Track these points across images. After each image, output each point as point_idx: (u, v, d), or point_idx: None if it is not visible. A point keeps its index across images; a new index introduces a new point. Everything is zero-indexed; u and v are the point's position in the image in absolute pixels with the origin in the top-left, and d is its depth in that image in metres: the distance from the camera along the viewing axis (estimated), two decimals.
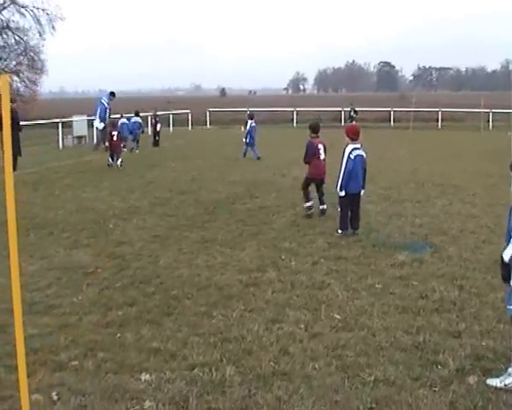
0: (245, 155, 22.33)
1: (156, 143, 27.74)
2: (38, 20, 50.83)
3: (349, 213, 10.16)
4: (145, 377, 5.10)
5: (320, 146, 11.72)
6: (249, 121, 22.45)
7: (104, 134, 26.20)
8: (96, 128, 26.30)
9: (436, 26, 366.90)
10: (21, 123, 28.16)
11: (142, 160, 21.94)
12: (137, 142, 26.09)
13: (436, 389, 4.85)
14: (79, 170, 19.04)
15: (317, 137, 11.89)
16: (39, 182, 16.49)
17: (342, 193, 10.11)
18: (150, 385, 4.96)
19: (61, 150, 26.97)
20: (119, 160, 19.83)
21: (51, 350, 5.70)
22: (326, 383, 4.93)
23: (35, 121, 30.61)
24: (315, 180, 11.83)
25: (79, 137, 30.78)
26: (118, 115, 25.48)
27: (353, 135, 10.13)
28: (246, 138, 22.11)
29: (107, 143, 20.68)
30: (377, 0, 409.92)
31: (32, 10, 50.53)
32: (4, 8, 49.84)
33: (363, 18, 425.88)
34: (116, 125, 21.60)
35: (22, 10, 50.48)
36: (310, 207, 11.66)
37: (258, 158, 21.44)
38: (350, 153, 10.02)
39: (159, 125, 28.27)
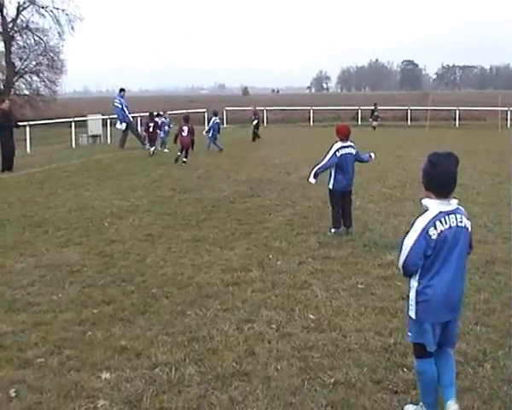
0: (208, 147, 24.28)
1: (256, 136, 29.00)
2: (58, 20, 51.49)
3: (340, 211, 10.06)
4: (105, 375, 5.09)
5: (184, 128, 19.82)
6: (213, 118, 24.94)
7: (126, 134, 26.52)
8: (120, 129, 26.71)
9: (460, 23, 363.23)
10: (37, 122, 28.71)
11: (151, 158, 21.99)
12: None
13: (397, 392, 4.76)
14: (87, 169, 19.13)
15: (186, 123, 20.08)
16: (45, 181, 16.60)
17: (312, 180, 10.07)
18: (109, 384, 4.95)
19: (74, 149, 27.11)
20: (153, 147, 22.96)
21: (20, 347, 5.74)
22: (285, 384, 4.87)
23: (46, 121, 30.86)
24: (182, 147, 19.76)
25: (94, 136, 30.92)
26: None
27: (342, 135, 10.05)
28: (209, 133, 24.47)
29: (144, 133, 24.14)
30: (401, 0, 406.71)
31: (51, 11, 51.19)
32: (24, 8, 50.41)
33: (387, 16, 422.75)
34: (153, 117, 23.97)
35: (42, 11, 51.17)
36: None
37: (221, 150, 23.73)
38: (336, 150, 9.92)
39: (255, 122, 29.54)
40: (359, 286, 7.38)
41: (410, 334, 4.37)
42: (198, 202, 13.20)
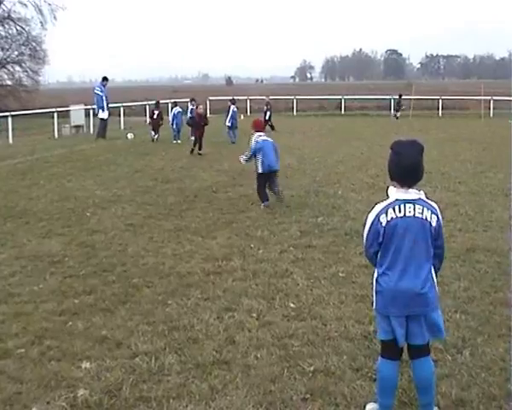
0: (232, 139, 23.57)
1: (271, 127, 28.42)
2: (40, 10, 50.82)
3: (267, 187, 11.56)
4: (85, 365, 5.08)
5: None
6: (231, 106, 24.16)
7: (106, 123, 26.18)
8: (101, 118, 26.26)
9: (444, 13, 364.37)
10: (20, 113, 28.45)
11: (134, 148, 21.90)
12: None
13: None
14: (69, 159, 18.99)
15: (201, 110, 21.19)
16: (27, 171, 16.47)
17: (243, 162, 12.06)
18: (89, 373, 4.95)
19: (56, 140, 26.89)
20: (156, 135, 24.35)
21: (0, 338, 5.70)
22: (264, 372, 4.89)
23: (28, 111, 30.60)
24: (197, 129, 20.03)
25: (77, 127, 30.72)
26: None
27: (257, 128, 12.03)
28: (229, 122, 23.83)
29: (149, 120, 25.33)
30: None
31: (33, 0, 50.55)
32: None
33: (372, 6, 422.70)
34: (158, 105, 25.27)
35: (24, 0, 50.46)
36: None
37: (233, 142, 23.10)
38: (256, 138, 11.66)
39: (268, 113, 29.37)
40: (340, 275, 7.42)
41: (378, 330, 4.34)
42: (180, 191, 13.18)
